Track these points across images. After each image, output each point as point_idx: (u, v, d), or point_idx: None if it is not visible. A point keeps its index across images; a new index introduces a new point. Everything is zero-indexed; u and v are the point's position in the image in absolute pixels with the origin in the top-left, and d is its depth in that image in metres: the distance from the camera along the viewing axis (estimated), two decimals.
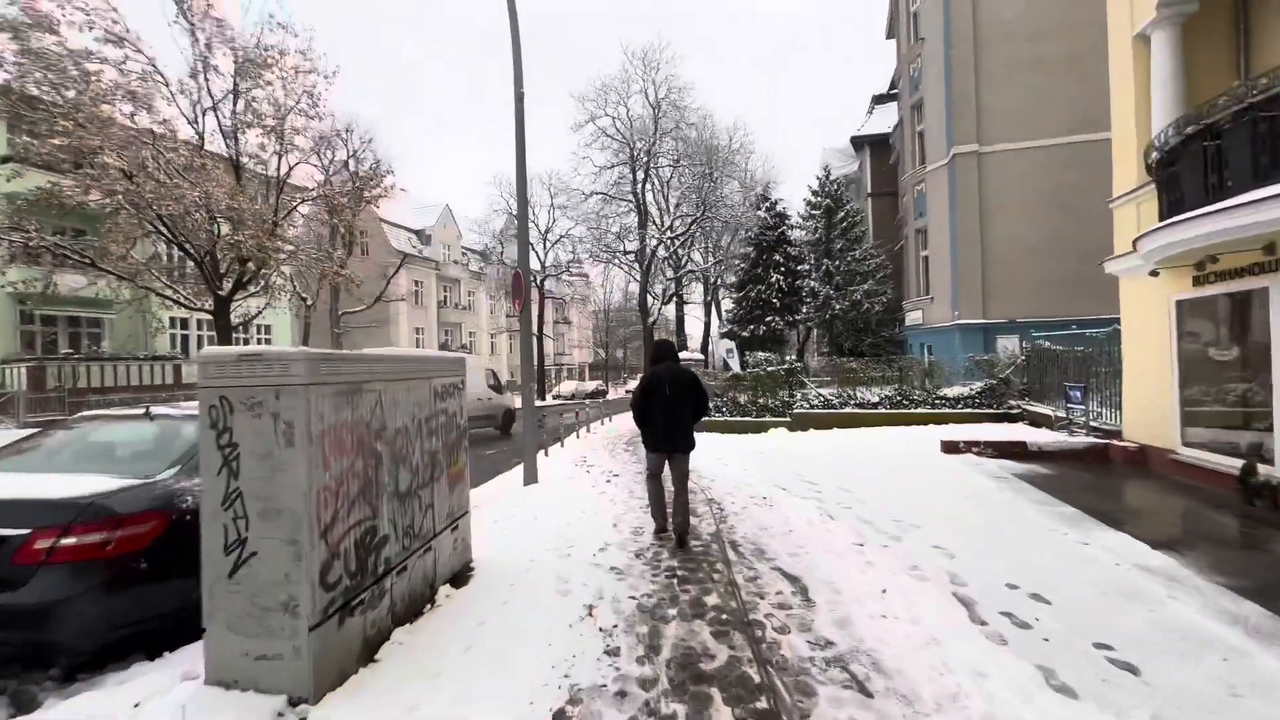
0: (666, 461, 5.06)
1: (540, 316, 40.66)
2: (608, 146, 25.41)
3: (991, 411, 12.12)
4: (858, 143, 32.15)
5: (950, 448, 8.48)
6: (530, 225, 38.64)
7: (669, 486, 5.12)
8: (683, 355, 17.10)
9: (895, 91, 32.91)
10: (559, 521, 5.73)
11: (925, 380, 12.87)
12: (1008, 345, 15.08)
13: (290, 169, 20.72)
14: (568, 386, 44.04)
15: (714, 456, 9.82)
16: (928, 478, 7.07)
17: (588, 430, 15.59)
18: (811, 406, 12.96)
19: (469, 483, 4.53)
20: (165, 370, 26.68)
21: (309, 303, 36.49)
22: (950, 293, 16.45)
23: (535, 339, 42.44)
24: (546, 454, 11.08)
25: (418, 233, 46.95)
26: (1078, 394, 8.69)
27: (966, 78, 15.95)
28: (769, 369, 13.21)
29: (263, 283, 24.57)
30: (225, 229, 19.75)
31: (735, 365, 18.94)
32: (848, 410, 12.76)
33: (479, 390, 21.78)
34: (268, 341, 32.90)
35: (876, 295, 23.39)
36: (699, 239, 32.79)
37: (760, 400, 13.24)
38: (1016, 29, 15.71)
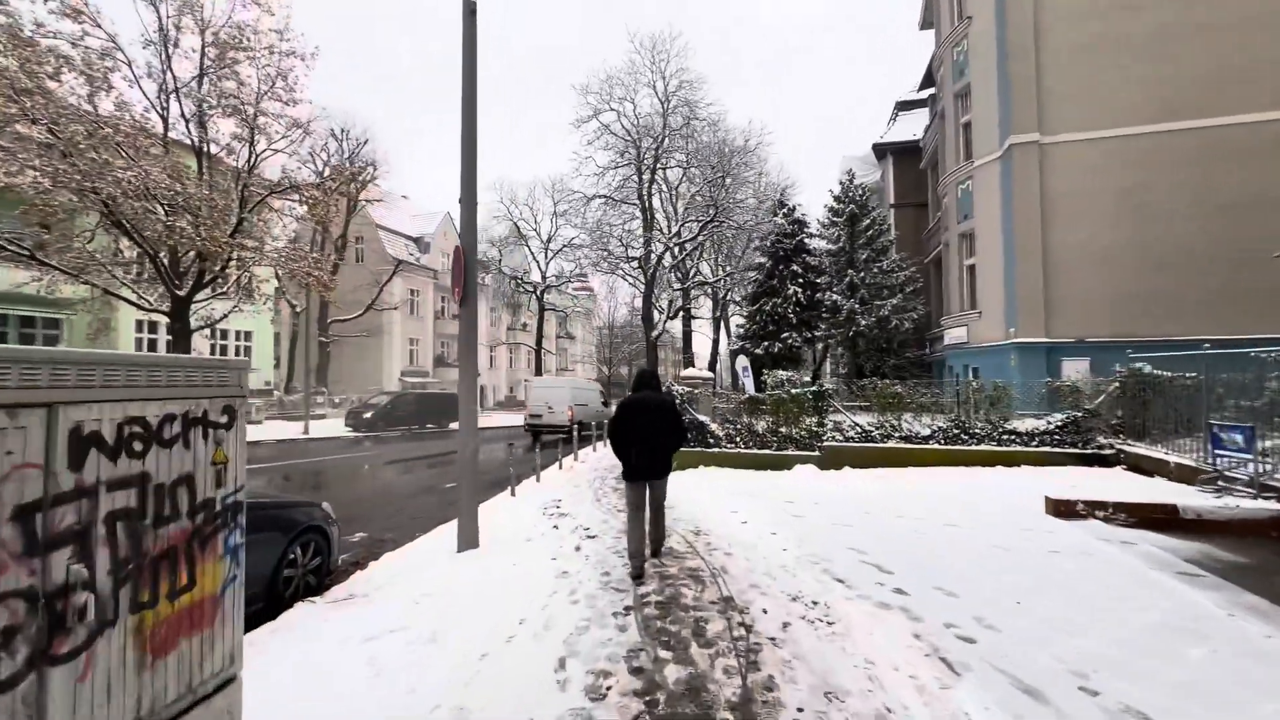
0: (648, 487, 5.00)
1: (540, 329, 38.52)
2: (611, 145, 23.38)
3: (1077, 452, 9.64)
4: (880, 151, 30.05)
5: (1063, 510, 6.03)
6: (532, 233, 36.69)
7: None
8: (689, 373, 14.74)
9: (921, 97, 30.88)
10: (471, 648, 3.35)
11: (989, 410, 10.42)
12: (1077, 369, 12.63)
13: (257, 157, 18.76)
14: None
15: (727, 505, 7.40)
16: (1056, 566, 4.63)
17: (575, 459, 13.21)
18: (846, 439, 10.53)
19: (234, 618, 2.17)
20: None
21: (297, 308, 34.45)
22: (1004, 307, 14.08)
23: (535, 352, 40.34)
24: (514, 493, 8.70)
25: (416, 240, 45.16)
26: (1239, 437, 6.24)
27: (1025, 59, 13.77)
28: (793, 391, 10.81)
29: (230, 283, 22.67)
30: (185, 222, 17.82)
31: (750, 385, 16.55)
32: (891, 445, 10.31)
33: (594, 409, 19.69)
34: (246, 351, 30.84)
35: (906, 311, 20.99)
36: (709, 250, 30.56)
37: (782, 429, 10.84)
38: (1083, 3, 13.54)
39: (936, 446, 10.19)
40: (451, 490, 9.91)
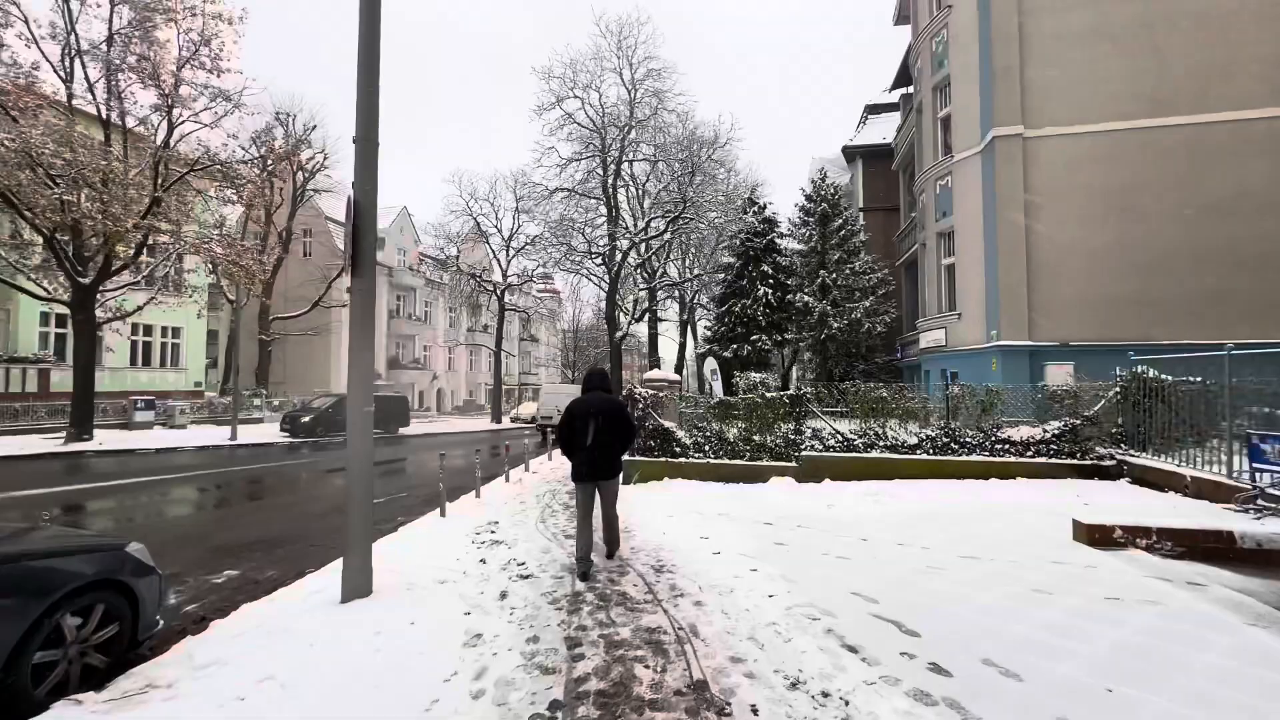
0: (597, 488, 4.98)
1: (500, 330, 36.78)
2: (575, 136, 22.09)
3: (1075, 463, 8.81)
4: (850, 154, 29.61)
5: (1098, 537, 5.03)
6: (493, 229, 35.05)
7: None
8: (654, 375, 13.55)
9: (891, 100, 30.59)
10: None
11: (980, 417, 9.52)
12: (1061, 373, 11.94)
13: (174, 128, 16.74)
14: (528, 408, 39.96)
15: (695, 528, 6.20)
16: (1125, 621, 3.57)
17: (526, 469, 11.85)
18: (826, 448, 9.47)
19: None
20: (28, 376, 21.98)
21: (235, 303, 32.01)
22: (985, 308, 13.37)
23: (494, 354, 38.57)
24: (443, 513, 7.32)
25: None
26: None
27: (1008, 49, 13.14)
28: (767, 395, 9.71)
29: (144, 273, 20.40)
30: (84, 198, 15.70)
31: (719, 389, 15.48)
32: (875, 455, 9.30)
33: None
34: (173, 349, 28.27)
35: (878, 314, 20.30)
36: (676, 251, 29.52)
37: (756, 437, 9.72)
38: None
39: (925, 457, 9.22)
40: (379, 506, 8.46)
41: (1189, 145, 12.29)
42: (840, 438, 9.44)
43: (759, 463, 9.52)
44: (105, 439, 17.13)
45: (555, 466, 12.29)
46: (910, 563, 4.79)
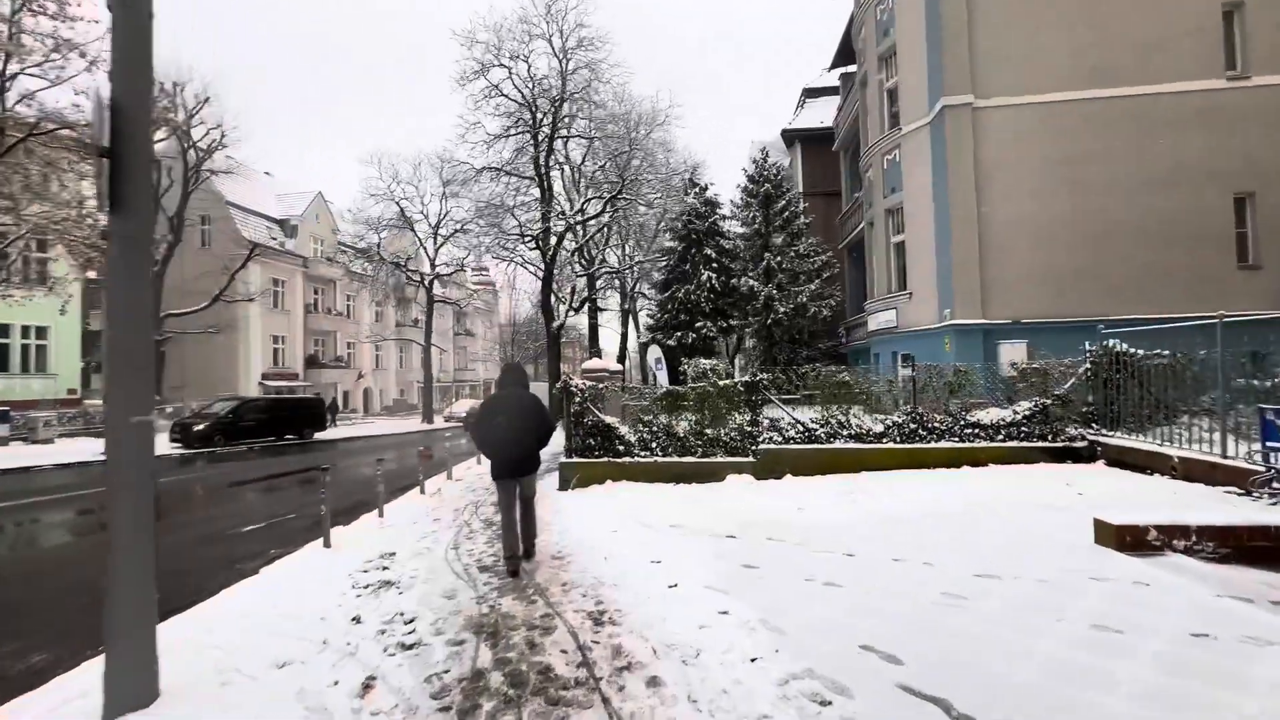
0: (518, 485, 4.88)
1: (429, 323, 34.36)
2: (503, 110, 20.30)
3: (1047, 446, 8.20)
4: (789, 138, 29.13)
5: (1130, 540, 4.16)
6: (418, 216, 32.55)
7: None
8: (593, 365, 12.27)
9: (829, 85, 30.37)
10: None
11: (947, 399, 8.79)
12: (1015, 352, 11.53)
13: (5, 83, 13.87)
14: (463, 405, 37.78)
15: (644, 547, 5.01)
16: (1231, 672, 2.63)
17: (448, 477, 10.32)
18: (785, 440, 8.49)
19: None
20: None
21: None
22: (937, 287, 12.85)
23: (424, 349, 36.05)
24: (328, 543, 5.79)
25: (280, 223, 39.12)
26: None
27: (956, 16, 12.59)
28: (720, 383, 8.63)
29: None
30: None
31: (664, 379, 14.38)
32: (839, 445, 8.40)
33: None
34: (37, 351, 24.42)
35: (824, 298, 19.76)
36: (615, 237, 28.16)
37: (709, 430, 8.62)
38: None
39: (892, 446, 8.40)
40: (250, 538, 6.82)
41: (1133, 117, 12.12)
42: (801, 428, 8.48)
43: (713, 459, 8.44)
44: None
45: (483, 472, 10.82)
46: (918, 590, 3.75)
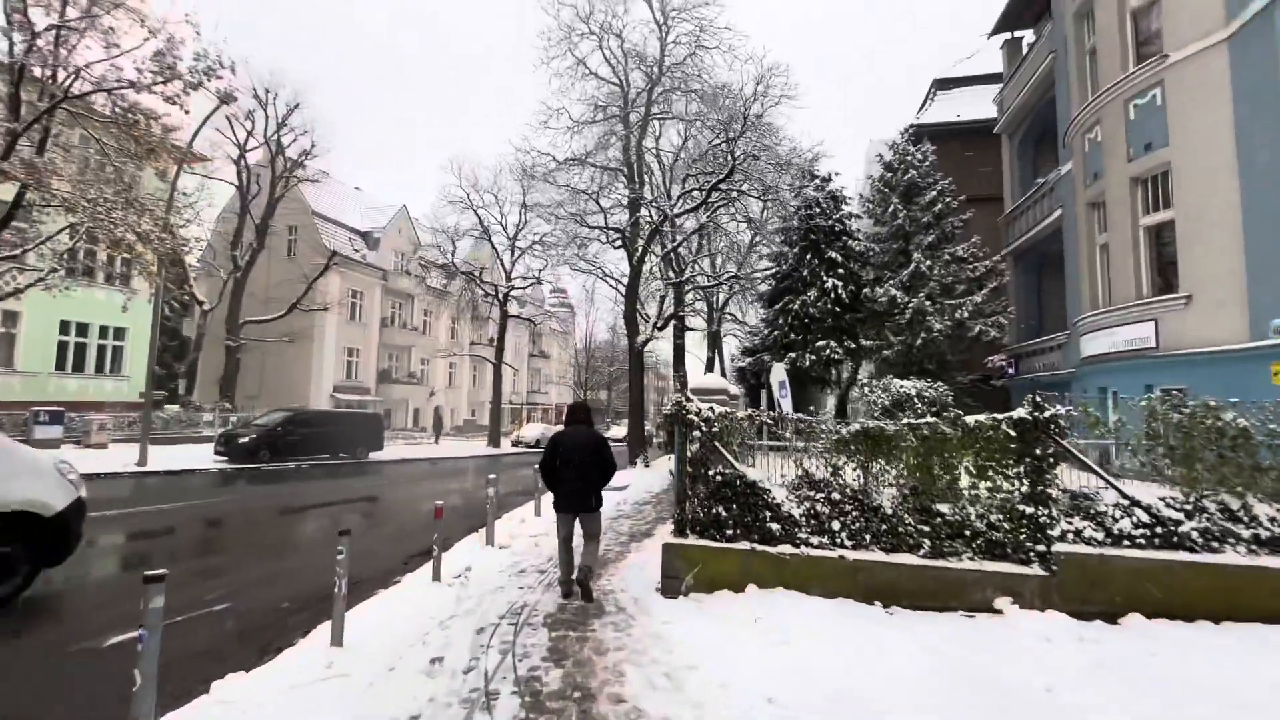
0: (577, 520, 5.04)
1: (500, 338, 32.04)
2: (589, 98, 17.47)
3: None
4: (917, 135, 24.74)
5: None
6: (496, 226, 30.53)
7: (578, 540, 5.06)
8: (707, 383, 8.62)
9: (968, 75, 25.91)
10: None
11: None
12: None
13: (60, 46, 12.16)
14: (532, 430, 35.07)
15: None
16: None
17: (486, 542, 6.85)
18: (1110, 536, 4.38)
19: None
20: None
21: (203, 305, 27.45)
22: (1247, 285, 8.24)
23: (495, 366, 33.79)
24: (340, 639, 2.33)
25: (364, 235, 38.67)
26: None
27: None
28: (965, 419, 4.63)
29: (31, 247, 15.77)
30: None
31: (788, 406, 10.50)
32: (1230, 559, 4.18)
33: None
34: (114, 353, 23.77)
35: (988, 315, 15.12)
36: (704, 247, 24.55)
37: (943, 507, 4.65)
38: None
39: None
40: (237, 610, 3.48)
41: None
42: (1147, 513, 4.33)
43: (956, 563, 4.45)
44: None
45: (540, 533, 7.28)
46: None
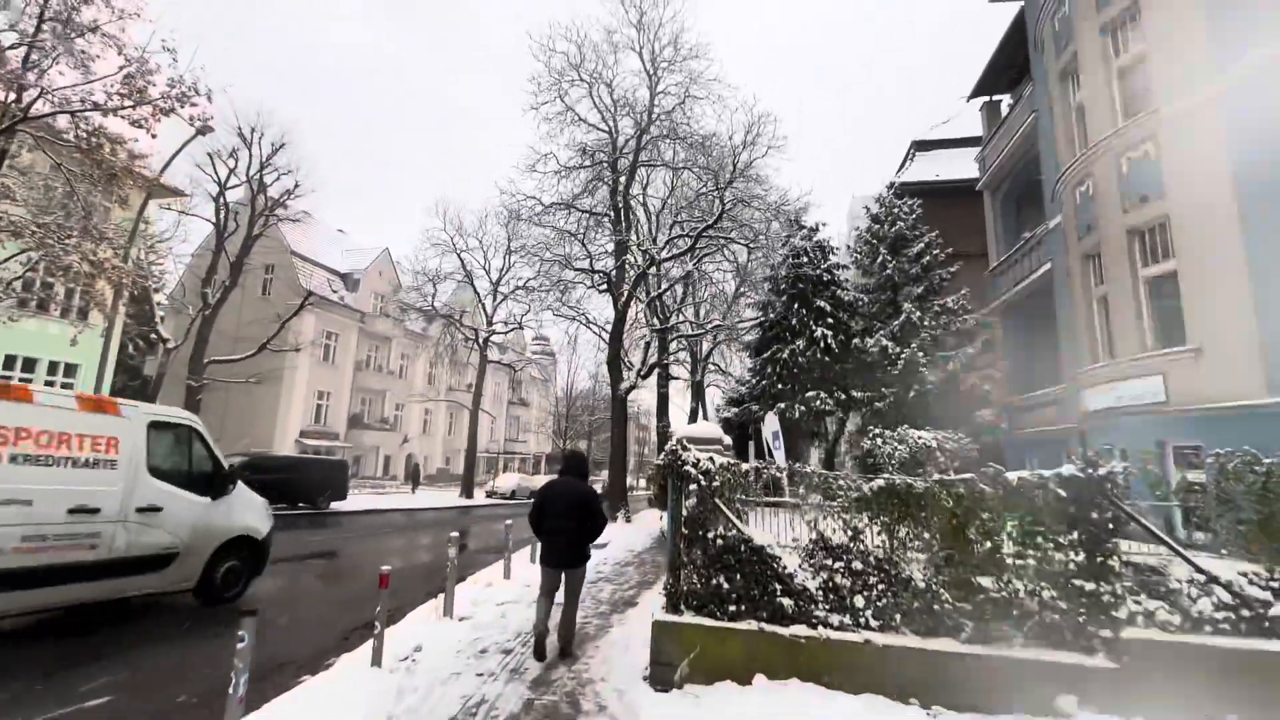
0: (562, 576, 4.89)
1: (479, 385, 31.05)
2: (577, 144, 17.43)
3: None
4: (899, 194, 25.31)
5: None
6: (480, 271, 30.16)
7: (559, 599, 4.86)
8: (699, 431, 7.93)
9: (947, 138, 26.79)
10: None
11: None
12: None
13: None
14: (507, 481, 33.65)
15: None
16: None
17: (443, 613, 5.88)
18: (1188, 619, 3.69)
19: None
20: None
21: (167, 342, 26.24)
22: (1258, 336, 7.92)
23: (471, 413, 32.64)
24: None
25: (344, 276, 37.97)
26: None
27: None
28: (1008, 475, 4.00)
29: None
30: None
31: (781, 457, 9.82)
32: None
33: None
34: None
35: (980, 368, 14.81)
36: (688, 297, 24.31)
37: (985, 581, 3.96)
38: None
39: None
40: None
41: None
42: (1230, 591, 3.67)
43: (1008, 650, 3.71)
44: None
45: (517, 599, 6.33)
46: None
